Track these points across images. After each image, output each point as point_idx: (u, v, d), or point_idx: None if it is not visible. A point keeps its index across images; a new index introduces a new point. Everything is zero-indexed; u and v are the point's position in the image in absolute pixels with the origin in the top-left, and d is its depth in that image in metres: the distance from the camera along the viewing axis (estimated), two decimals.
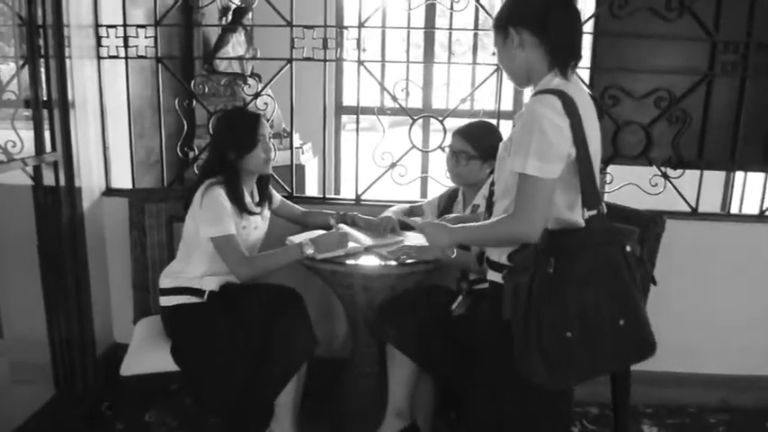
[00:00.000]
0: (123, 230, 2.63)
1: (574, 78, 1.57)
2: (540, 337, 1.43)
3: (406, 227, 2.30)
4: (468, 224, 1.72)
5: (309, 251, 2.08)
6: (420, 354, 2.06)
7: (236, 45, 3.84)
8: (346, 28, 2.52)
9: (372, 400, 2.26)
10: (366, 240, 2.23)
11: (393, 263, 2.09)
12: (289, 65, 2.56)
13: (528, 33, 1.53)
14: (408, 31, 3.50)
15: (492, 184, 1.73)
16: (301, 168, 3.75)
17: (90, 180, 2.57)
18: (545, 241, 1.45)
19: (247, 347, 2.04)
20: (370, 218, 2.38)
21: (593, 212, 1.48)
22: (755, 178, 2.93)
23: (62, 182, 2.41)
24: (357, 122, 2.64)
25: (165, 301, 2.16)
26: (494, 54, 1.70)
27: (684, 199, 2.58)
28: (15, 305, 2.55)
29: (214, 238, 2.06)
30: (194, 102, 2.79)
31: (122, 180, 2.78)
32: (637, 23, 2.43)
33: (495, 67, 2.57)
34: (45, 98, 2.31)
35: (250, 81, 3.53)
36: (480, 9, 2.70)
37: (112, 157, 2.70)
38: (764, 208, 2.59)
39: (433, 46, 4.38)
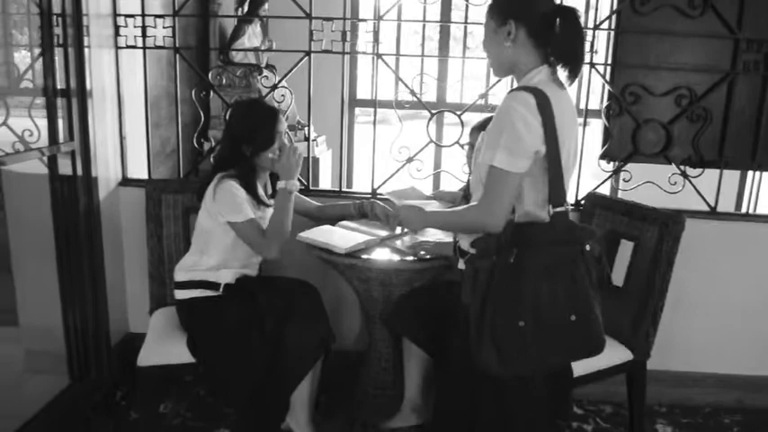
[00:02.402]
0: (139, 221, 2.63)
1: (558, 79, 1.59)
2: (493, 324, 1.48)
3: None
4: (441, 210, 1.80)
5: (289, 186, 2.06)
6: (432, 347, 2.06)
7: (252, 36, 3.83)
8: (364, 20, 2.51)
9: (388, 394, 2.26)
10: (380, 232, 2.22)
11: (411, 258, 2.08)
12: (307, 57, 2.54)
13: (525, 32, 1.55)
14: (424, 25, 3.47)
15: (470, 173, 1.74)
16: (316, 161, 3.75)
17: (107, 170, 2.57)
18: (509, 232, 1.50)
19: (263, 341, 2.03)
20: (387, 207, 2.36)
21: (559, 209, 1.53)
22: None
23: (79, 171, 2.41)
24: (374, 116, 2.62)
25: (181, 294, 2.16)
26: None
27: (704, 198, 2.55)
28: (31, 294, 2.56)
29: (235, 224, 2.04)
30: (210, 93, 2.78)
31: (138, 170, 2.78)
32: (659, 20, 2.41)
33: None
34: (63, 87, 2.31)
35: (266, 72, 3.52)
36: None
37: (128, 148, 2.70)
38: None
39: (448, 40, 4.37)
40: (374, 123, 2.63)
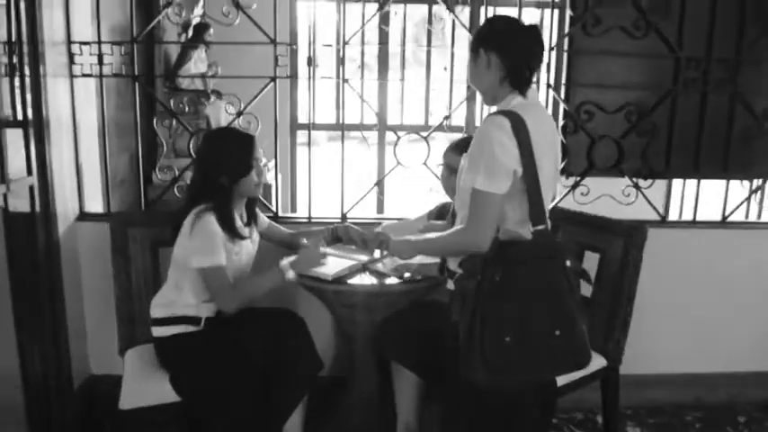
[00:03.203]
0: (98, 257, 2.54)
1: (534, 100, 1.70)
2: (482, 340, 1.53)
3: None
4: (426, 236, 1.86)
5: (290, 275, 2.04)
6: (425, 369, 2.08)
7: (198, 62, 3.77)
8: (329, 46, 2.53)
9: (375, 418, 2.25)
10: (360, 257, 2.23)
11: (396, 280, 2.10)
12: (272, 82, 2.53)
13: (495, 55, 1.65)
14: (403, 49, 3.47)
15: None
16: (267, 188, 3.70)
17: (64, 205, 2.44)
18: (493, 251, 1.57)
19: (252, 374, 1.99)
20: (363, 231, 2.37)
21: (539, 227, 1.61)
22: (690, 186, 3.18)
23: (37, 207, 2.28)
24: (342, 139, 2.64)
25: (159, 331, 2.07)
26: None
27: (654, 208, 2.72)
28: None
29: (203, 269, 1.99)
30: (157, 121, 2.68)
31: (93, 204, 2.66)
32: (608, 42, 2.56)
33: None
34: (20, 119, 2.19)
35: (221, 100, 3.47)
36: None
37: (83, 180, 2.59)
38: (726, 214, 2.77)
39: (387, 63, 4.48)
40: (342, 146, 2.64)
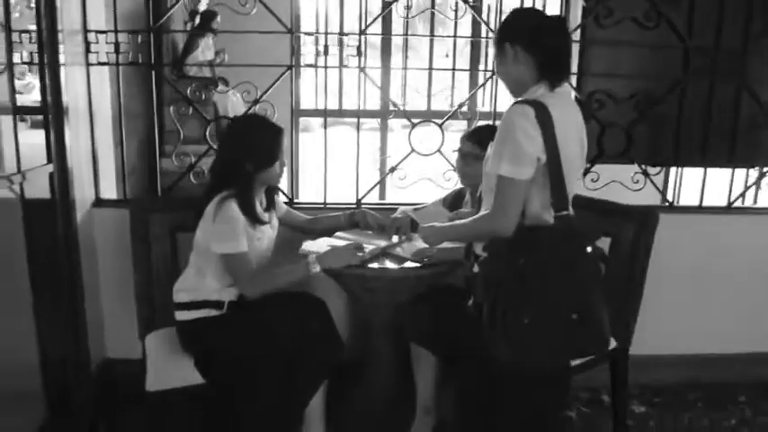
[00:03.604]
0: (115, 242, 2.57)
1: (560, 90, 1.73)
2: (504, 320, 1.59)
3: (416, 228, 2.37)
4: (451, 223, 1.92)
5: (316, 269, 2.07)
6: (445, 351, 2.13)
7: (205, 49, 3.77)
8: (346, 35, 2.54)
9: (392, 400, 2.31)
10: (378, 242, 2.27)
11: (417, 264, 2.14)
12: (289, 71, 2.55)
13: (521, 49, 1.69)
14: (405, 39, 3.48)
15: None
16: None
17: (82, 191, 2.46)
18: (517, 235, 1.62)
19: (276, 357, 2.03)
20: (381, 217, 2.41)
21: (561, 213, 1.65)
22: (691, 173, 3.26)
23: (57, 194, 2.30)
24: (358, 126, 2.67)
25: (182, 315, 2.11)
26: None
27: (662, 194, 2.78)
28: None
29: (226, 255, 2.03)
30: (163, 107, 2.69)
31: (108, 191, 2.68)
32: (620, 32, 2.60)
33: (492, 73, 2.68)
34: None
35: (227, 87, 3.48)
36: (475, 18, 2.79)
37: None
38: (731, 200, 2.84)
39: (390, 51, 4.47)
40: (357, 134, 2.67)
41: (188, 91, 2.67)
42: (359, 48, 2.53)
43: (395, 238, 2.31)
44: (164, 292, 2.26)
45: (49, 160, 2.26)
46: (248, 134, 2.12)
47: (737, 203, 2.85)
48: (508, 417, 1.80)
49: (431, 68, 3.99)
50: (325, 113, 2.66)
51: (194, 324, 2.09)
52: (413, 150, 2.68)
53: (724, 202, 2.86)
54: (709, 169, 2.84)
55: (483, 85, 2.72)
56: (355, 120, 2.70)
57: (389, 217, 2.39)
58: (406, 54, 2.81)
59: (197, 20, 3.77)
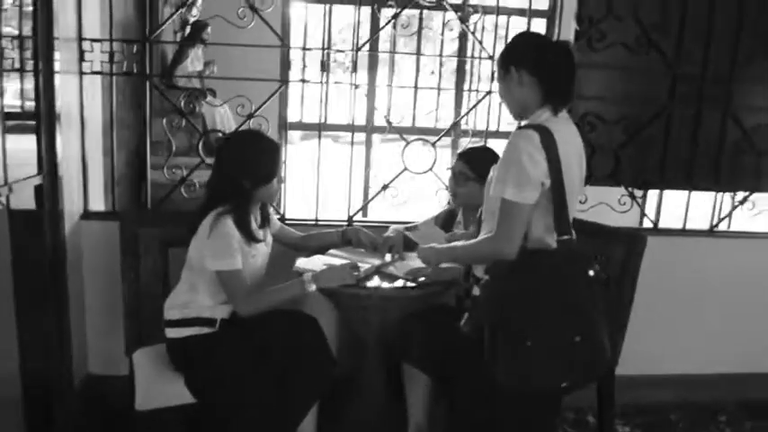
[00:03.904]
0: (101, 256, 2.53)
1: (562, 114, 1.75)
2: (505, 343, 1.61)
3: (408, 246, 2.38)
4: (452, 244, 1.92)
5: (311, 288, 2.06)
6: (437, 370, 2.14)
7: (195, 60, 3.75)
8: (342, 51, 2.56)
9: (384, 418, 2.30)
10: (373, 261, 2.27)
11: (410, 284, 2.14)
12: (284, 86, 2.55)
13: (526, 72, 1.71)
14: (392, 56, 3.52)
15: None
16: None
17: (71, 203, 2.42)
18: (519, 258, 1.64)
19: (268, 374, 2.01)
20: (373, 235, 2.41)
21: (564, 237, 1.67)
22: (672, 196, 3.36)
23: (46, 205, 2.26)
24: (352, 142, 2.67)
25: (173, 332, 2.08)
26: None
27: (647, 216, 2.84)
28: None
29: (221, 272, 2.00)
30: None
31: (96, 202, 2.64)
32: (611, 56, 2.66)
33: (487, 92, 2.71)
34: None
35: (215, 99, 3.45)
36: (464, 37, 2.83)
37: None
38: (714, 223, 2.92)
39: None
40: (351, 150, 2.68)
41: (181, 103, 2.64)
42: (354, 63, 2.54)
43: (388, 257, 2.31)
44: (152, 307, 2.23)
45: (40, 170, 2.22)
46: (246, 150, 2.09)
47: (721, 226, 2.92)
48: None
49: (416, 87, 4.05)
50: (319, 128, 2.65)
51: (185, 341, 2.06)
52: (405, 168, 2.70)
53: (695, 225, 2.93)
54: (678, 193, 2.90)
55: (477, 104, 2.74)
56: (336, 133, 2.71)
57: (382, 235, 2.40)
58: (393, 69, 2.84)
59: (187, 30, 3.75)
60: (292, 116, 4.45)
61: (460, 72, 4.79)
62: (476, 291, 1.80)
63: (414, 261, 2.29)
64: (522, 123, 1.75)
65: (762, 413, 2.91)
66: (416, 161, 2.69)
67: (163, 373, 2.09)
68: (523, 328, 1.60)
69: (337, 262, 2.21)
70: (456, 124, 2.70)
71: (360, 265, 2.15)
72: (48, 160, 2.24)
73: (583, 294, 1.66)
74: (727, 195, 2.97)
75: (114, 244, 2.39)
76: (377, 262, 2.26)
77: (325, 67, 2.51)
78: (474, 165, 2.34)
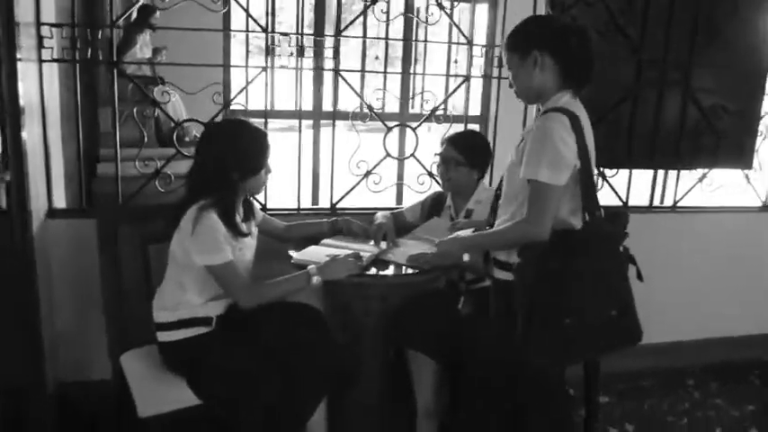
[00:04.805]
0: (69, 257, 2.39)
1: (577, 99, 1.79)
2: (543, 323, 1.63)
3: (399, 232, 2.37)
4: (477, 233, 1.92)
5: (315, 280, 1.99)
6: (442, 353, 2.14)
7: (143, 46, 3.55)
8: (324, 37, 2.49)
9: (391, 407, 2.30)
10: (364, 247, 2.24)
11: (413, 271, 2.13)
12: (264, 72, 2.45)
13: (549, 56, 1.72)
14: (387, 43, 3.43)
15: (498, 188, 1.90)
16: None
17: (36, 201, 2.23)
18: (552, 240, 1.66)
19: (274, 370, 1.95)
20: (365, 225, 2.37)
21: (595, 214, 1.72)
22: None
23: (12, 205, 2.08)
24: (333, 130, 2.62)
25: (167, 336, 1.97)
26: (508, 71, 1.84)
27: (618, 195, 2.95)
28: None
29: (212, 267, 1.91)
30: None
31: (58, 199, 2.45)
32: None
33: (464, 77, 2.72)
34: None
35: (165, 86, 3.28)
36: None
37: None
38: (676, 200, 3.09)
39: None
40: (333, 138, 2.62)
41: (153, 91, 2.48)
42: (336, 49, 2.48)
43: (383, 245, 2.29)
44: (136, 308, 2.11)
45: (6, 167, 2.04)
46: (236, 140, 1.97)
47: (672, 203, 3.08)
48: (534, 417, 1.85)
49: (363, 71, 4.00)
50: (299, 116, 2.58)
51: (182, 344, 1.96)
52: (387, 155, 2.67)
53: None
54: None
55: (456, 89, 2.75)
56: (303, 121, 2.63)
57: (374, 224, 2.36)
58: (364, 55, 2.78)
59: (134, 15, 3.53)
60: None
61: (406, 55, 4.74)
62: (499, 274, 1.81)
63: (407, 247, 2.28)
64: (544, 107, 1.76)
65: (725, 375, 3.12)
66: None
67: (159, 377, 1.98)
68: (562, 308, 1.62)
69: (334, 251, 2.16)
70: (437, 109, 2.67)
71: (361, 254, 2.12)
72: (13, 155, 2.05)
73: (616, 270, 1.71)
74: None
75: (85, 243, 2.26)
76: (375, 250, 2.23)
77: (302, 52, 2.43)
78: (463, 150, 2.35)
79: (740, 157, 3.12)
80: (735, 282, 3.22)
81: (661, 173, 3.19)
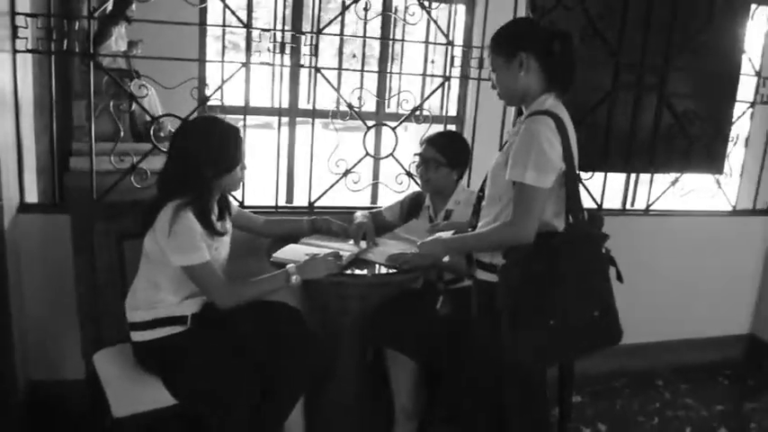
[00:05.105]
0: (41, 252, 2.35)
1: (560, 101, 1.81)
2: (528, 324, 1.65)
3: (379, 231, 2.38)
4: (461, 234, 1.93)
5: (294, 279, 1.98)
6: (420, 353, 2.15)
7: (119, 39, 3.47)
8: (304, 34, 2.47)
9: (368, 408, 2.29)
10: (343, 247, 2.23)
11: (392, 270, 2.13)
12: (244, 67, 2.43)
13: (534, 59, 1.73)
14: (364, 41, 3.41)
15: (481, 190, 1.91)
16: None
17: (8, 194, 2.17)
18: (535, 242, 1.68)
19: (251, 369, 1.93)
20: (344, 225, 2.37)
21: (578, 217, 1.73)
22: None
23: None
24: (312, 128, 2.60)
25: (142, 336, 1.94)
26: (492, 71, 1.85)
27: (593, 197, 2.99)
28: None
29: (189, 267, 1.88)
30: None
31: (30, 193, 2.40)
32: None
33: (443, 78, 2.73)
34: None
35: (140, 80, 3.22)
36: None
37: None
38: (649, 203, 3.13)
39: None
40: (312, 135, 2.61)
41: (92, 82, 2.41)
42: (315, 46, 2.46)
43: (362, 244, 2.28)
44: (110, 306, 2.08)
45: None
46: (208, 137, 1.93)
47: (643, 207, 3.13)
48: (515, 417, 1.86)
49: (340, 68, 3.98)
50: (279, 113, 2.56)
51: (157, 343, 1.93)
52: (367, 154, 2.67)
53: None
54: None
55: (437, 89, 2.75)
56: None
57: (354, 223, 2.36)
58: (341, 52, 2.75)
59: (109, 6, 3.45)
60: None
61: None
62: (482, 275, 1.82)
63: (387, 246, 2.28)
64: (529, 109, 1.77)
65: (694, 376, 3.19)
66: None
67: (134, 377, 1.95)
68: (547, 309, 1.64)
69: (313, 251, 2.14)
70: (417, 109, 2.67)
71: (341, 253, 2.11)
72: None
73: (598, 271, 1.73)
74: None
75: (57, 238, 2.22)
76: (354, 249, 2.22)
77: (283, 48, 2.41)
78: (444, 150, 2.36)
79: (712, 162, 3.18)
80: (704, 284, 3.29)
81: (633, 176, 3.24)
